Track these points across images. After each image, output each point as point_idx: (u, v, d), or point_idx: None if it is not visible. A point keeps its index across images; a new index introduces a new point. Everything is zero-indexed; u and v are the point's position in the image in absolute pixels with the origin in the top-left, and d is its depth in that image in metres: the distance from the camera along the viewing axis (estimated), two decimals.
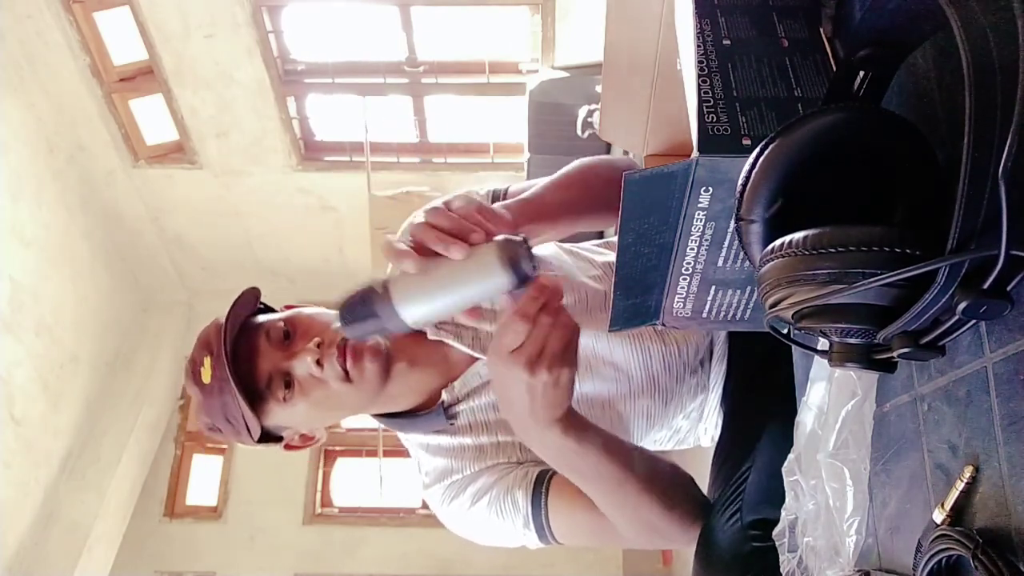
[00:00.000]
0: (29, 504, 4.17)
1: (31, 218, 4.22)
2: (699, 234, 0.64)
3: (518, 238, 0.69)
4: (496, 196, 1.01)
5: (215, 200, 4.73)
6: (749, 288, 0.70)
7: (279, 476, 5.01)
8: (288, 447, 1.05)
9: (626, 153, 3.91)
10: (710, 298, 0.71)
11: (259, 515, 4.99)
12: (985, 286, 0.38)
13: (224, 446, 5.18)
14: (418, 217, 0.73)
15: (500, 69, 4.36)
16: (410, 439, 1.08)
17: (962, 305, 0.39)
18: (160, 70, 4.20)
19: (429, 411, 1.03)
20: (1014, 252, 0.36)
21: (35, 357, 4.23)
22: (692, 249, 0.66)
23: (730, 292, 0.71)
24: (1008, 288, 0.39)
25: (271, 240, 4.96)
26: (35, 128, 4.21)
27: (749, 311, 0.73)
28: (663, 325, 0.75)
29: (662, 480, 0.91)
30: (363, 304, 0.68)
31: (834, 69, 0.63)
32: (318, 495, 5.17)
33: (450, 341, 1.01)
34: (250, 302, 1.02)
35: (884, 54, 0.52)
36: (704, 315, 0.74)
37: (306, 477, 5.08)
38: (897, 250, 0.40)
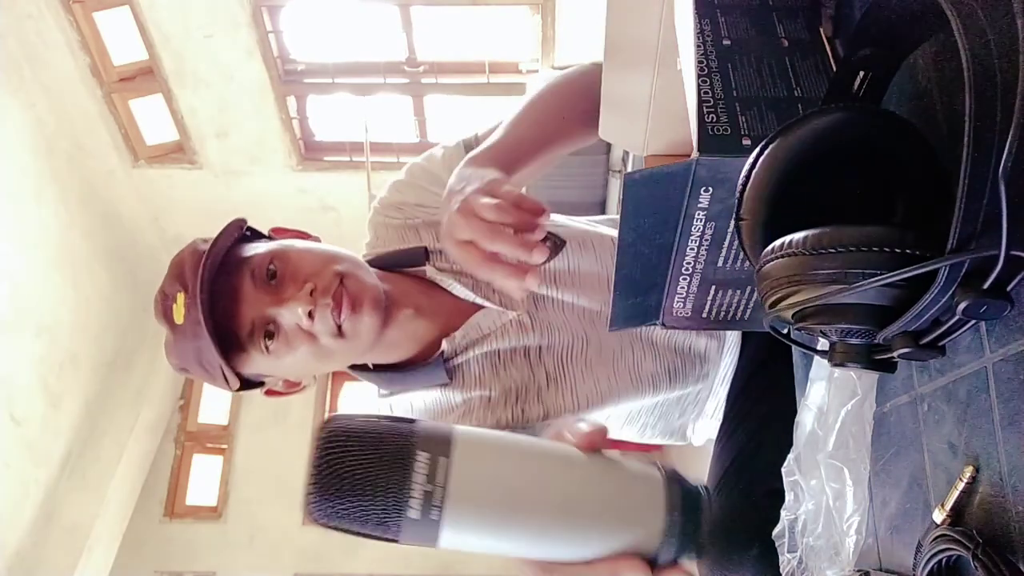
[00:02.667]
0: (29, 504, 4.17)
1: (31, 218, 4.22)
2: (699, 234, 0.64)
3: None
4: (468, 146, 0.98)
5: (215, 200, 4.73)
6: (749, 288, 0.70)
7: (279, 476, 5.01)
8: (270, 393, 0.97)
9: (625, 154, 3.91)
10: (710, 298, 0.71)
11: (259, 515, 4.99)
12: (985, 286, 0.38)
13: (224, 446, 5.19)
14: (466, 224, 0.66)
15: (500, 69, 4.36)
16: (390, 401, 1.01)
17: (962, 305, 0.39)
18: (160, 70, 4.20)
19: (426, 363, 0.95)
20: (1014, 252, 0.36)
21: (35, 357, 4.23)
22: (692, 249, 0.66)
23: (730, 292, 0.71)
24: (1008, 288, 0.39)
25: None
26: (35, 128, 4.21)
27: (749, 311, 0.73)
28: (663, 325, 0.75)
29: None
30: None
31: (834, 69, 0.63)
32: None
33: (452, 286, 0.95)
34: (233, 234, 0.90)
35: (884, 54, 0.52)
36: (704, 315, 0.74)
37: (306, 477, 5.07)
38: (897, 250, 0.40)
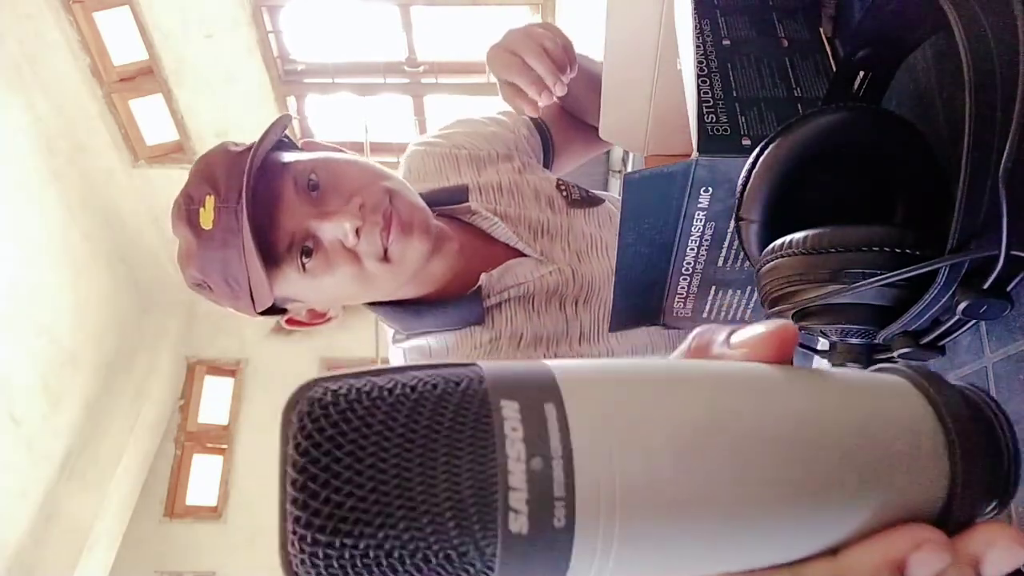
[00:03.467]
0: (29, 504, 4.17)
1: (31, 218, 4.22)
2: (699, 234, 0.64)
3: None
4: (538, 123, 1.07)
5: None
6: (749, 288, 0.70)
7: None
8: (291, 323, 0.87)
9: (626, 154, 3.91)
10: (710, 298, 0.71)
11: (259, 515, 4.99)
12: (985, 286, 0.39)
13: (224, 446, 5.18)
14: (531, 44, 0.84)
15: None
16: (406, 345, 0.91)
17: (962, 305, 0.39)
18: (160, 70, 4.20)
19: (460, 298, 0.86)
20: (1014, 252, 0.36)
21: (35, 357, 4.23)
22: (692, 249, 0.66)
23: (730, 292, 0.71)
24: (1008, 288, 0.39)
25: None
26: (35, 128, 4.21)
27: (749, 311, 0.73)
28: (664, 325, 0.75)
29: None
30: None
31: (834, 69, 0.63)
32: None
33: (494, 228, 0.90)
34: (278, 132, 0.82)
35: (884, 54, 0.52)
36: (704, 315, 0.74)
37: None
38: (897, 250, 0.40)
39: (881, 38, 0.51)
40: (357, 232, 0.75)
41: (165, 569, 4.91)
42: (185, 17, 4.00)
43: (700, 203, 0.61)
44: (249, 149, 0.77)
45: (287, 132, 0.87)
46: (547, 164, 1.08)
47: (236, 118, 4.41)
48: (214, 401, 5.36)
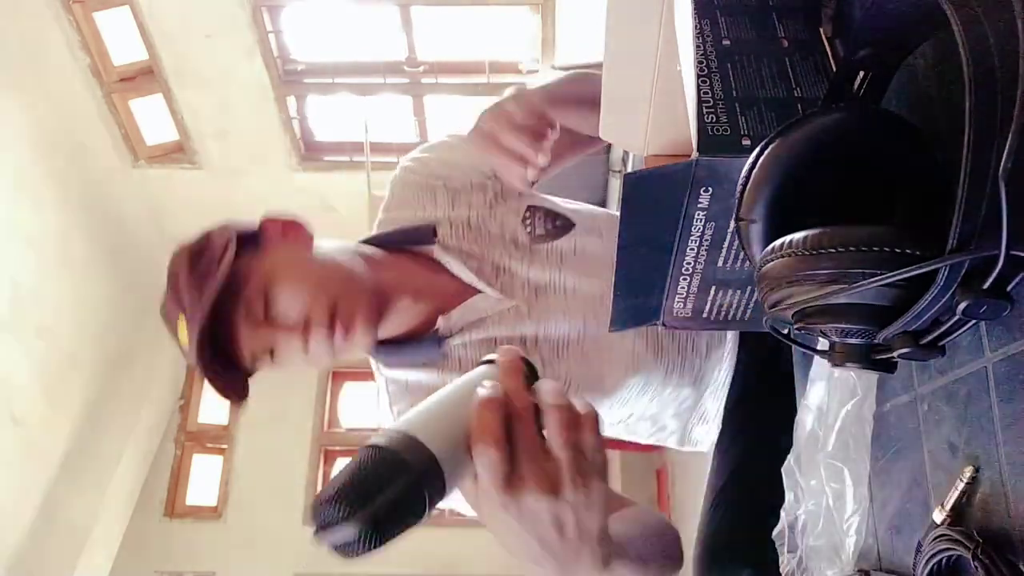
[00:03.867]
0: (29, 504, 4.17)
1: (31, 218, 4.22)
2: (699, 234, 0.64)
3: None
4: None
5: (215, 200, 4.72)
6: (749, 288, 0.70)
7: (279, 476, 5.01)
8: None
9: (626, 154, 3.91)
10: (710, 298, 0.71)
11: (259, 515, 4.98)
12: (985, 286, 0.39)
13: (224, 446, 5.19)
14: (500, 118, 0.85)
15: (500, 69, 4.35)
16: (387, 373, 1.02)
17: (962, 305, 0.39)
18: (160, 70, 4.20)
19: (421, 339, 0.97)
20: (1014, 252, 0.36)
21: (35, 357, 4.23)
22: (692, 249, 0.66)
23: (730, 292, 0.71)
24: (1008, 288, 0.39)
25: None
26: (35, 128, 4.21)
27: (749, 311, 0.73)
28: (664, 325, 0.75)
29: (667, 548, 0.84)
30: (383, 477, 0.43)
31: (834, 69, 0.63)
32: None
33: (455, 268, 0.98)
34: (221, 256, 0.90)
35: (884, 54, 0.52)
36: (704, 315, 0.74)
37: (306, 477, 5.08)
38: (897, 250, 0.40)
39: (881, 38, 0.51)
40: (305, 345, 0.88)
41: (165, 569, 4.90)
42: (185, 17, 4.00)
43: (700, 203, 0.61)
44: (208, 273, 0.87)
45: (240, 228, 0.97)
46: None
47: (236, 118, 4.41)
48: (214, 401, 5.35)
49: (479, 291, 0.98)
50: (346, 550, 0.42)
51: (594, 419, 0.50)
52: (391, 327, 0.98)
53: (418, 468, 0.43)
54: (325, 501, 0.41)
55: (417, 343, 0.97)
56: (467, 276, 0.98)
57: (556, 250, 1.00)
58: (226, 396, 0.91)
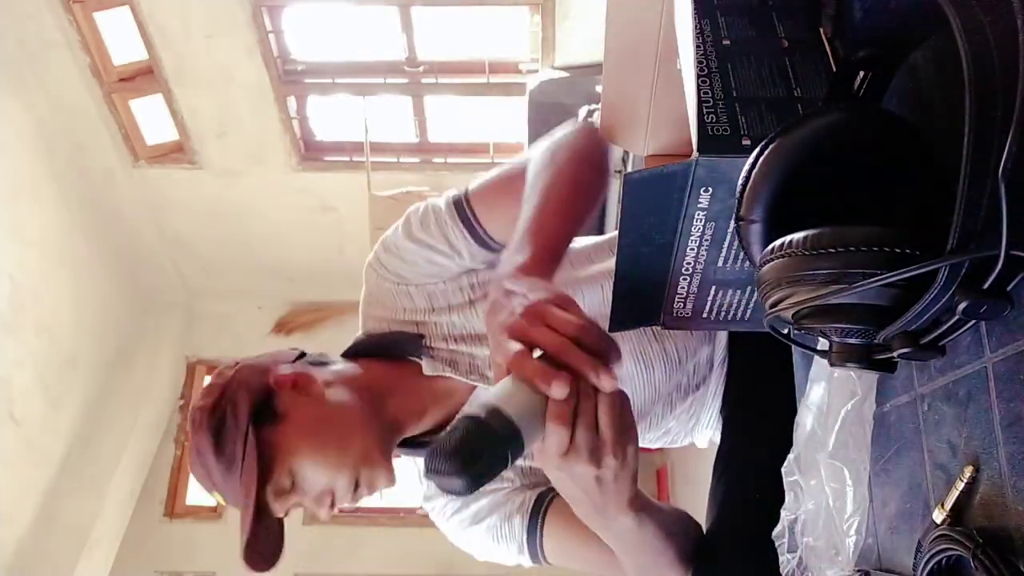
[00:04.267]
0: (29, 504, 4.17)
1: (31, 218, 4.22)
2: (699, 234, 0.64)
3: None
4: (459, 204, 0.96)
5: (215, 200, 4.72)
6: (749, 288, 0.70)
7: None
8: None
9: (626, 154, 3.91)
10: (710, 298, 0.71)
11: None
12: (985, 286, 0.38)
13: None
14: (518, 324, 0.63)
15: (500, 69, 4.35)
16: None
17: (962, 305, 0.39)
18: (160, 70, 4.20)
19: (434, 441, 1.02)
20: (1014, 252, 0.36)
21: (35, 357, 4.23)
22: (692, 249, 0.66)
23: (730, 292, 0.71)
24: (1008, 288, 0.39)
25: (271, 240, 4.96)
26: (35, 128, 4.21)
27: (749, 311, 0.73)
28: (663, 326, 0.75)
29: (688, 543, 0.90)
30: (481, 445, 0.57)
31: (834, 69, 0.63)
32: None
33: (448, 373, 1.00)
34: (248, 445, 0.94)
35: (884, 54, 0.52)
36: (704, 315, 0.74)
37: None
38: (897, 250, 0.40)
39: (881, 38, 0.51)
40: (331, 510, 0.95)
41: (165, 569, 4.90)
42: (185, 17, 3.99)
43: (700, 203, 0.61)
44: (232, 458, 0.93)
45: (255, 394, 0.97)
46: (481, 240, 0.98)
47: (236, 118, 4.41)
48: None
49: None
50: (450, 492, 0.58)
51: (628, 404, 0.64)
52: (409, 432, 1.02)
53: (504, 435, 0.57)
54: (440, 457, 0.56)
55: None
56: (461, 379, 1.00)
57: None
58: (270, 562, 0.97)
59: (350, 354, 1.05)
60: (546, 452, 0.62)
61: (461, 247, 0.98)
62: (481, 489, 0.89)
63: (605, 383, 0.60)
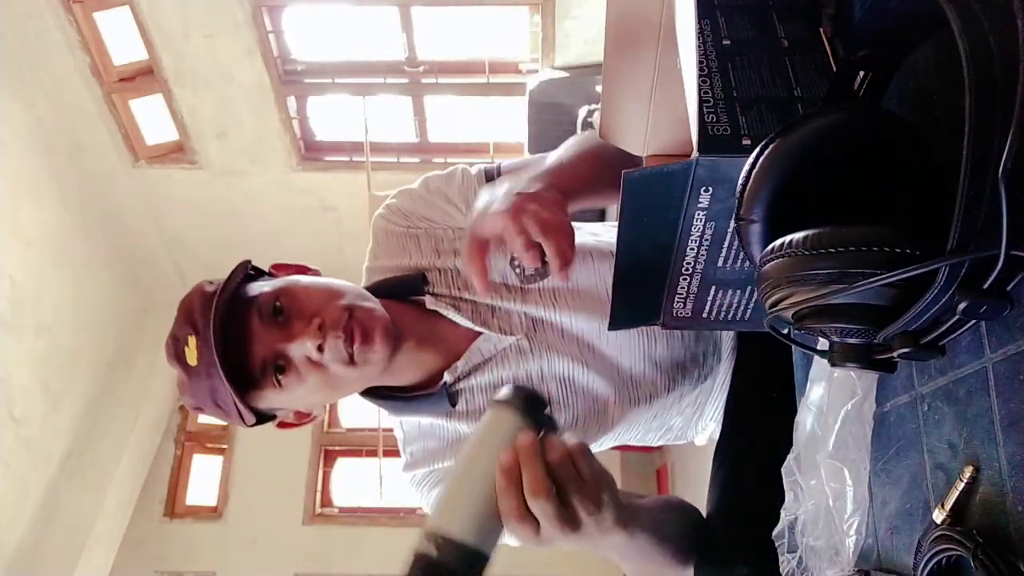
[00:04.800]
0: (29, 504, 4.17)
1: (31, 218, 4.22)
2: (699, 234, 0.64)
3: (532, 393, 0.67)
4: (489, 175, 1.00)
5: (215, 200, 4.72)
6: (749, 288, 0.70)
7: (279, 476, 5.00)
8: (282, 425, 1.00)
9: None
10: (710, 298, 0.71)
11: (259, 515, 4.98)
12: (985, 286, 0.38)
13: (224, 446, 5.19)
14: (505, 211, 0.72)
15: (500, 69, 4.35)
16: (400, 418, 1.04)
17: (962, 305, 0.39)
18: (160, 70, 4.20)
19: (430, 392, 0.99)
20: (1014, 252, 0.36)
21: (35, 357, 4.23)
22: (692, 249, 0.66)
23: (730, 292, 0.71)
24: (1008, 288, 0.39)
25: (271, 240, 4.95)
26: (35, 128, 4.21)
27: (749, 311, 0.73)
28: (663, 325, 0.75)
29: (685, 541, 0.90)
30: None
31: (834, 69, 0.63)
32: (318, 495, 5.16)
33: (450, 315, 0.98)
34: (239, 275, 0.92)
35: (884, 54, 0.52)
36: (704, 315, 0.74)
37: (306, 477, 5.08)
38: (897, 250, 0.40)
39: (881, 38, 0.51)
40: (320, 348, 0.85)
41: (165, 569, 4.90)
42: (185, 17, 3.99)
43: (700, 203, 0.61)
44: (220, 287, 0.87)
45: (254, 265, 0.98)
46: None
47: (236, 118, 4.41)
48: None
49: (479, 334, 0.99)
50: None
51: (586, 449, 0.66)
52: (399, 375, 0.98)
53: (463, 565, 0.57)
54: None
55: (427, 399, 0.98)
56: (464, 321, 0.97)
57: (548, 289, 0.99)
58: (231, 415, 0.89)
59: None
60: (545, 534, 0.63)
61: None
62: (460, 430, 0.94)
63: (561, 275, 0.69)
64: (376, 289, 1.01)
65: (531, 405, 0.65)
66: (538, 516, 0.62)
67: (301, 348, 0.86)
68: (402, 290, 1.01)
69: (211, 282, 0.91)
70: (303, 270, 1.00)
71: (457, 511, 0.60)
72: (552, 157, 0.92)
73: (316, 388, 0.89)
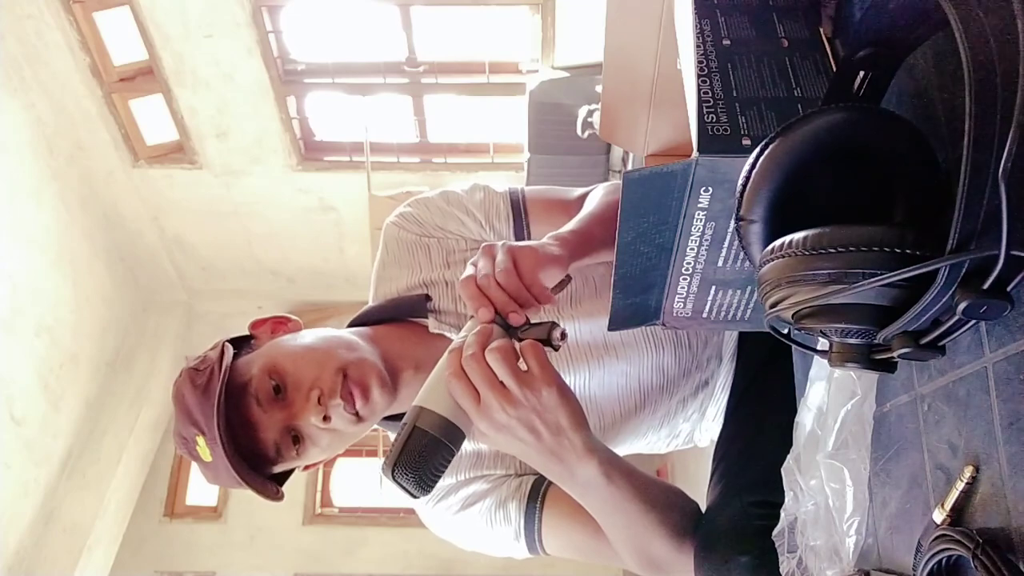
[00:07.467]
0: (29, 504, 4.17)
1: (31, 218, 4.22)
2: (699, 234, 0.64)
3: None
4: (516, 197, 1.02)
5: (215, 200, 4.73)
6: (749, 288, 0.70)
7: None
8: (307, 468, 1.01)
9: (626, 154, 3.91)
10: (710, 298, 0.71)
11: (259, 515, 4.99)
12: (985, 286, 0.38)
13: None
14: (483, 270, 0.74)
15: (500, 69, 4.36)
16: None
17: (962, 305, 0.39)
18: (160, 70, 4.20)
19: None
20: (1014, 252, 0.36)
21: (35, 357, 4.23)
22: (692, 249, 0.66)
23: (730, 292, 0.71)
24: (1008, 288, 0.39)
25: (271, 240, 4.96)
26: (35, 128, 4.21)
27: (749, 311, 0.73)
28: (663, 325, 0.75)
29: (675, 514, 0.89)
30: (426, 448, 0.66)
31: (834, 69, 0.63)
32: (318, 495, 5.17)
33: (454, 336, 0.98)
34: (226, 361, 0.91)
35: (884, 54, 0.52)
36: (704, 315, 0.74)
37: (306, 477, 5.08)
38: (897, 250, 0.40)
39: (881, 38, 0.51)
40: (325, 418, 0.87)
41: (165, 569, 4.91)
42: (185, 17, 4.00)
43: (700, 203, 0.61)
44: (211, 377, 0.88)
45: (233, 337, 0.97)
46: (520, 235, 1.04)
47: (236, 118, 4.41)
48: None
49: None
50: (411, 496, 0.67)
51: (537, 349, 0.71)
52: (405, 402, 0.97)
53: (439, 434, 0.65)
54: (389, 469, 0.65)
55: None
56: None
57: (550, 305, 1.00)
58: (263, 495, 0.92)
59: (355, 324, 1.03)
60: (473, 416, 0.68)
61: (502, 229, 1.01)
62: (469, 476, 0.95)
63: (513, 319, 0.71)
64: (378, 311, 1.01)
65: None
66: (470, 376, 0.68)
67: (307, 423, 0.88)
68: (405, 310, 1.01)
69: (197, 369, 0.91)
70: (281, 323, 0.99)
71: (435, 393, 0.68)
72: (581, 213, 0.92)
73: (331, 445, 0.92)
